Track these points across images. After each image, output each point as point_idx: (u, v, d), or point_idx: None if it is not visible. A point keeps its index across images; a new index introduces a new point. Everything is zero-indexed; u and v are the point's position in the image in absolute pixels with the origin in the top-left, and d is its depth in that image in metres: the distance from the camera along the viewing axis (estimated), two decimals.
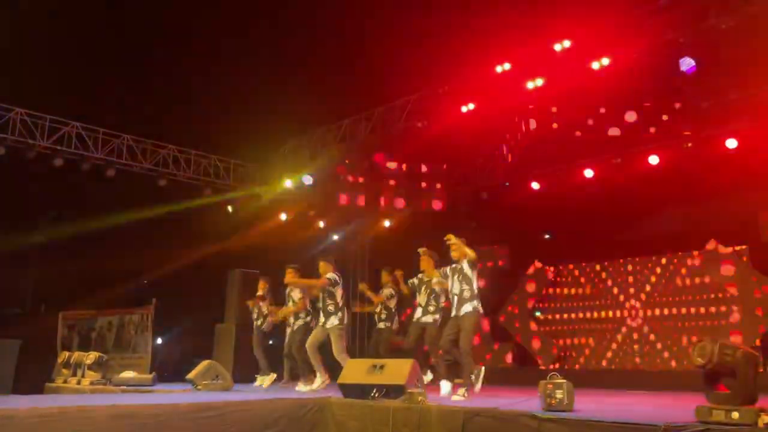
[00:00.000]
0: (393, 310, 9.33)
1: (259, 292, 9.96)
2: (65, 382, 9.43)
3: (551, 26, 10.83)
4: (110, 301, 16.47)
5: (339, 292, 7.95)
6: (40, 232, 18.47)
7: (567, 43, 10.35)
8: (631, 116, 11.16)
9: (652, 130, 11.31)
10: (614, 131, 11.38)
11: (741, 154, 10.91)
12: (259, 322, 9.93)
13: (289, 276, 8.95)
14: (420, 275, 7.90)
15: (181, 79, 18.20)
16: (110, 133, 12.50)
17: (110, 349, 12.32)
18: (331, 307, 7.90)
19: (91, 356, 9.28)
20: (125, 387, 8.71)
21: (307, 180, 14.54)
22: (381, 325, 9.32)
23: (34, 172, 12.56)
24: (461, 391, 6.58)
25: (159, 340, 17.09)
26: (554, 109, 11.23)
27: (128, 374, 9.64)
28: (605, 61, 9.92)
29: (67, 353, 10.21)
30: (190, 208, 13.81)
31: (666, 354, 12.17)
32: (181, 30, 17.90)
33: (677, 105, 11.20)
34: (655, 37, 9.51)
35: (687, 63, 9.01)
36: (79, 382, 9.05)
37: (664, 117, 11.10)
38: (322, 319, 8.02)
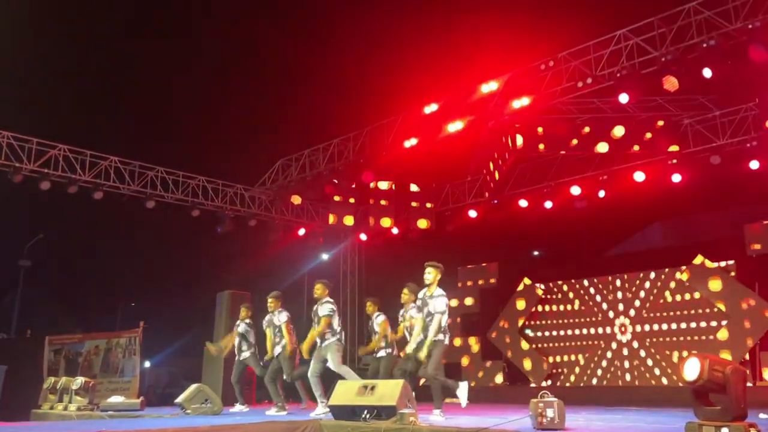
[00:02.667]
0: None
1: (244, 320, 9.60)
2: (52, 407, 9.28)
3: (536, 46, 10.98)
4: (97, 324, 16.33)
5: (336, 320, 7.96)
6: (26, 255, 18.35)
7: (551, 63, 10.46)
8: (616, 133, 11.26)
9: (637, 147, 11.41)
10: (599, 149, 11.48)
11: (725, 170, 11.06)
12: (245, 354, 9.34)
13: (272, 304, 8.80)
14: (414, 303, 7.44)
15: (168, 101, 18.26)
16: (97, 155, 12.45)
17: (98, 374, 12.15)
18: (328, 336, 7.88)
19: (78, 381, 9.15)
20: (113, 412, 8.59)
21: (296, 200, 14.54)
22: (382, 353, 8.77)
23: (21, 196, 12.48)
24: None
25: (147, 364, 16.91)
26: (540, 130, 11.32)
27: (116, 399, 9.50)
28: (588, 80, 10.03)
29: (53, 378, 10.05)
30: (178, 229, 13.73)
31: (656, 370, 12.20)
32: (169, 51, 17.98)
33: (661, 122, 11.33)
34: (638, 56, 9.65)
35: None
36: (66, 408, 8.91)
37: (648, 135, 11.22)
38: (317, 342, 7.92)
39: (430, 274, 6.96)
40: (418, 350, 6.84)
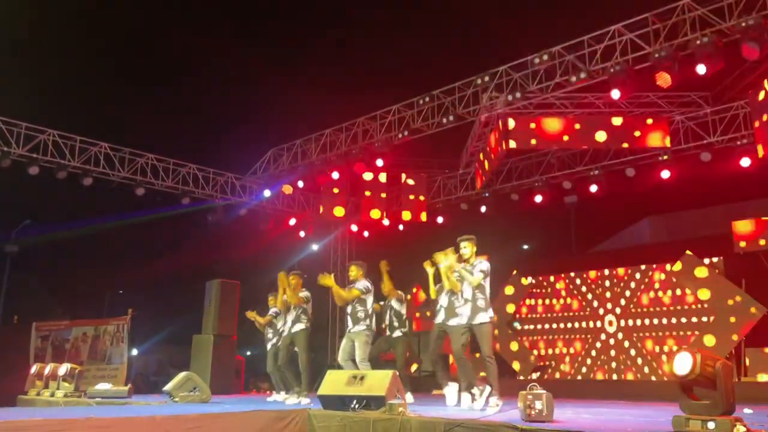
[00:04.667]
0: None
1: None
2: (38, 394, 9.24)
3: (530, 39, 10.97)
4: (85, 311, 16.24)
5: (370, 300, 7.81)
6: (13, 241, 18.19)
7: (546, 57, 10.45)
8: (602, 135, 11.29)
9: (627, 144, 11.46)
10: (590, 144, 11.51)
11: (715, 167, 11.14)
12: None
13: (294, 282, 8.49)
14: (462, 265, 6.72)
15: (159, 88, 18.13)
16: (87, 141, 12.34)
17: (85, 361, 12.10)
18: (360, 314, 7.68)
19: (65, 367, 9.10)
20: (100, 399, 8.56)
21: (287, 190, 14.51)
22: (397, 332, 8.43)
23: (9, 181, 12.35)
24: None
25: (135, 351, 16.85)
26: (533, 125, 11.32)
27: (103, 386, 9.47)
28: (582, 75, 10.04)
29: (40, 364, 10.01)
30: (168, 217, 13.65)
31: (643, 364, 12.30)
32: (160, 39, 17.83)
33: (650, 120, 11.37)
34: (631, 52, 9.67)
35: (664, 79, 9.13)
36: (52, 394, 8.87)
37: (638, 133, 11.26)
38: (349, 324, 7.76)
39: (467, 248, 6.66)
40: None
